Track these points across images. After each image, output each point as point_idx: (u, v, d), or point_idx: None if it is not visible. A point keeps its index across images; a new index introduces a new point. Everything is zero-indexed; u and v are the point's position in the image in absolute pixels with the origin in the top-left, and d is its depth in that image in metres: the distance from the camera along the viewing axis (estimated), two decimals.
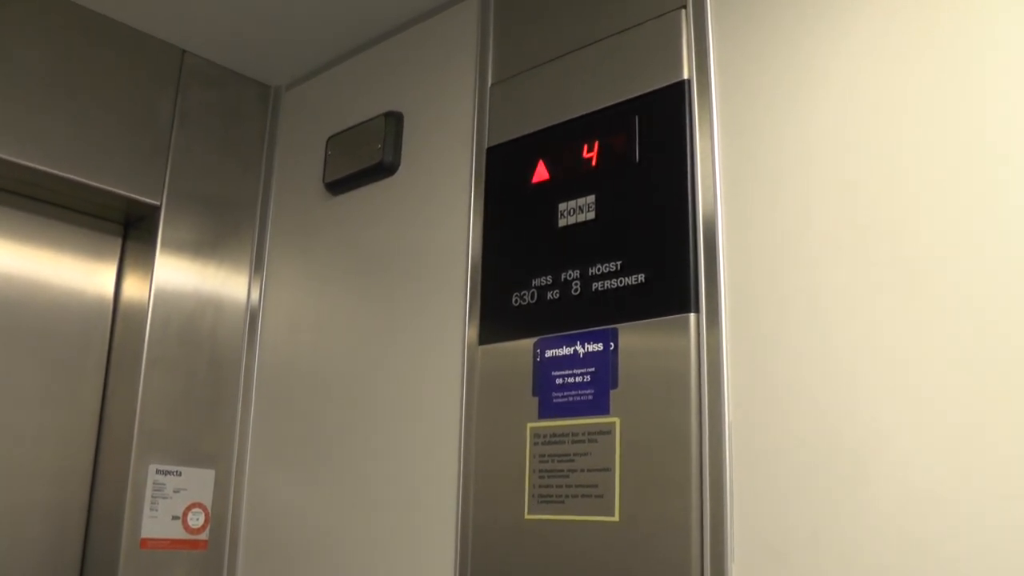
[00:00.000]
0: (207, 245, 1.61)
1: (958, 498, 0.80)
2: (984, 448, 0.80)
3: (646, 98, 1.12)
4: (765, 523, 0.92)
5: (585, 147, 1.16)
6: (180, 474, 1.49)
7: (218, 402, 1.57)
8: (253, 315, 1.64)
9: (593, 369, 1.08)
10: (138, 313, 1.55)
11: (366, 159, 1.47)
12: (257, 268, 1.66)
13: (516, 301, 1.18)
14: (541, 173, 1.20)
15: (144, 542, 1.44)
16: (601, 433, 1.05)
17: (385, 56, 1.55)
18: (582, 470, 1.06)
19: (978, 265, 0.84)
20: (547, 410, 1.11)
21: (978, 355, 0.82)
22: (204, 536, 1.51)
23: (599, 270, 1.10)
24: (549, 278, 1.15)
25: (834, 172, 0.95)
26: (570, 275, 1.13)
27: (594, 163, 1.15)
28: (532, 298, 1.16)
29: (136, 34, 1.59)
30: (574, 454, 1.07)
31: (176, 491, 1.48)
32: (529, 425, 1.12)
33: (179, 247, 1.58)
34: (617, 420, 1.04)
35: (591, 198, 1.14)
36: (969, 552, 0.79)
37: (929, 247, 0.87)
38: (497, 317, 1.21)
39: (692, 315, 1.01)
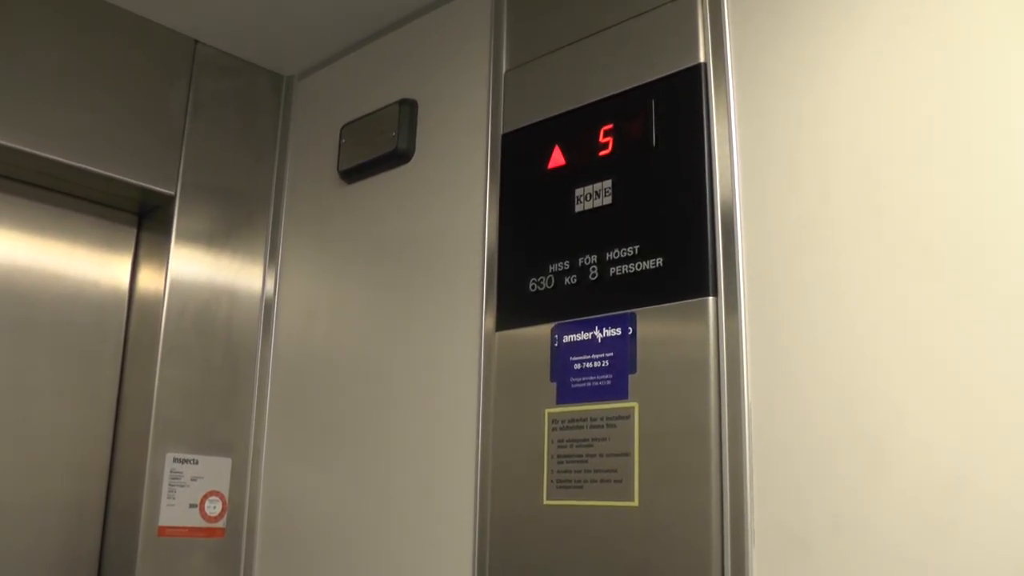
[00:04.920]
0: (222, 235, 1.62)
1: (981, 482, 0.80)
2: (1007, 431, 0.79)
3: (662, 82, 1.12)
4: (786, 508, 0.91)
5: (601, 132, 1.16)
6: (197, 462, 1.50)
7: (234, 391, 1.58)
8: (268, 304, 1.64)
9: (611, 354, 1.07)
10: (153, 303, 1.56)
11: (380, 147, 1.47)
12: (272, 257, 1.66)
13: (533, 287, 1.18)
14: (557, 159, 1.20)
15: (162, 530, 1.44)
16: (620, 418, 1.05)
17: (399, 44, 1.55)
18: (601, 455, 1.05)
19: (999, 246, 0.83)
20: (565, 395, 1.11)
21: (1000, 337, 0.81)
22: (221, 524, 1.52)
23: (616, 255, 1.10)
24: (566, 263, 1.15)
25: (853, 154, 0.94)
26: (587, 260, 1.13)
27: (610, 148, 1.14)
28: (549, 283, 1.16)
29: (148, 24, 1.59)
30: (592, 439, 1.07)
31: (193, 479, 1.49)
32: (547, 410, 1.12)
33: (194, 237, 1.58)
34: (636, 405, 1.04)
35: (608, 183, 1.13)
36: (993, 536, 0.78)
37: (949, 229, 0.86)
38: (514, 303, 1.20)
39: (711, 299, 1.01)
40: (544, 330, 1.15)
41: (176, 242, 1.56)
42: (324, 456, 1.46)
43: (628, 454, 1.03)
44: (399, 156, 1.45)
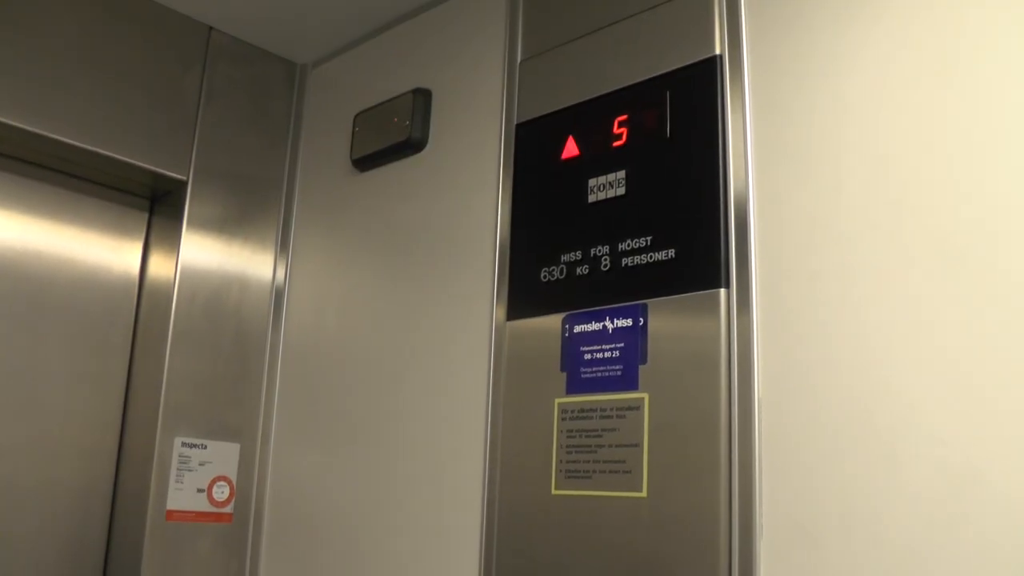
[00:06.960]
0: (233, 222, 1.62)
1: (992, 477, 0.80)
2: (1020, 427, 0.79)
3: (677, 74, 1.11)
4: (795, 501, 0.91)
5: (616, 123, 1.15)
6: (205, 447, 1.50)
7: (243, 378, 1.58)
8: (279, 292, 1.64)
9: (622, 344, 1.07)
10: (164, 289, 1.56)
11: (394, 136, 1.47)
12: (283, 245, 1.67)
13: (545, 277, 1.18)
14: (571, 149, 1.20)
15: (170, 514, 1.45)
16: (629, 409, 1.05)
17: (413, 33, 1.54)
18: (610, 446, 1.05)
19: (1013, 240, 0.82)
20: (575, 385, 1.11)
21: (1013, 332, 0.81)
22: (229, 509, 1.52)
23: (629, 246, 1.10)
24: (578, 254, 1.15)
25: (867, 147, 0.94)
26: (600, 251, 1.12)
27: (624, 139, 1.14)
28: (561, 274, 1.16)
29: (163, 10, 1.59)
30: (602, 429, 1.07)
31: (201, 464, 1.49)
32: (557, 400, 1.12)
33: (205, 223, 1.58)
34: (646, 396, 1.04)
35: (621, 174, 1.13)
36: (1004, 532, 0.78)
37: (964, 223, 0.86)
38: (525, 293, 1.20)
39: (722, 291, 1.00)
40: (555, 320, 1.15)
41: (188, 228, 1.56)
42: (332, 443, 1.47)
43: (637, 445, 1.03)
44: (412, 145, 1.45)
